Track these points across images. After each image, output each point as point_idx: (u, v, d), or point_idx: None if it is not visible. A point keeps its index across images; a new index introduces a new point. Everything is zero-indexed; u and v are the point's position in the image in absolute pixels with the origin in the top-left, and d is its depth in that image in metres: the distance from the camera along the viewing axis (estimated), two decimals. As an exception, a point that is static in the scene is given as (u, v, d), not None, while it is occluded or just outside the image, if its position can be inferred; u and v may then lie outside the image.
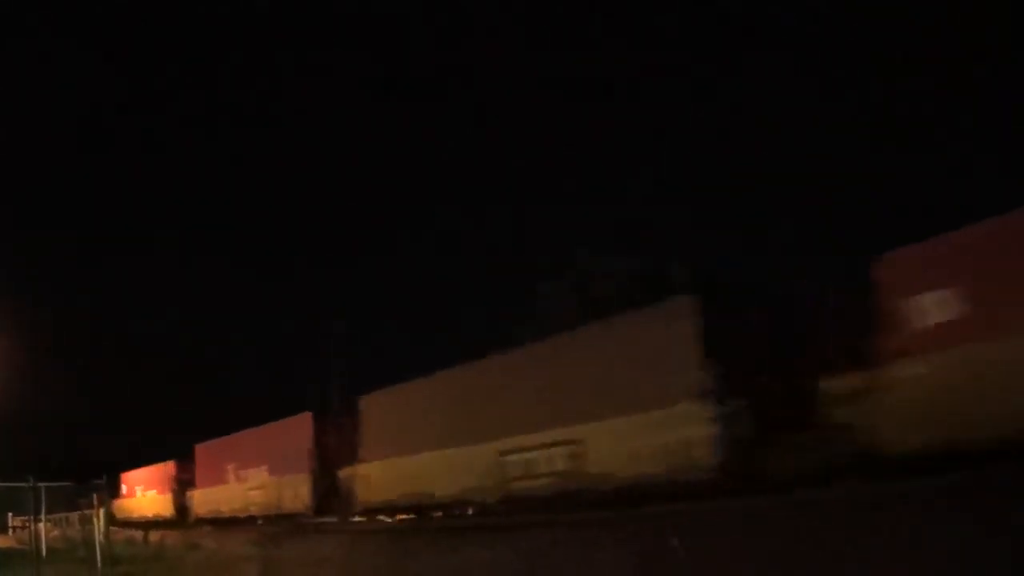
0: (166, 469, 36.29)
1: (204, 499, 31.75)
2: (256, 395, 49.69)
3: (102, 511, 18.63)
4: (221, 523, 29.21)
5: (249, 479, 27.91)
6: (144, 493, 39.93)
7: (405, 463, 19.86)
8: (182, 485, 33.98)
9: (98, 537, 18.01)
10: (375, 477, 21.02)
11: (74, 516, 23.68)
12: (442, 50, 71.06)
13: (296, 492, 24.44)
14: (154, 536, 24.13)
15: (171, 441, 42.75)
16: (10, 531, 29.94)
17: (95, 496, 19.29)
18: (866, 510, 8.87)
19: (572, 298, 32.23)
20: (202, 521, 31.11)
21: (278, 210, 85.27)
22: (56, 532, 23.74)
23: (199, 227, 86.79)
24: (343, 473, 22.67)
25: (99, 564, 16.88)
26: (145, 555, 19.14)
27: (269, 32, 78.66)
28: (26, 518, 21.76)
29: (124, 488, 42.98)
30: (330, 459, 23.41)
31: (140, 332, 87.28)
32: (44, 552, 18.07)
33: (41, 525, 19.18)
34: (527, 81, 66.56)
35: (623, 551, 9.45)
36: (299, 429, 24.88)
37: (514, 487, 16.46)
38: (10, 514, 31.38)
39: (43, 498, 18.97)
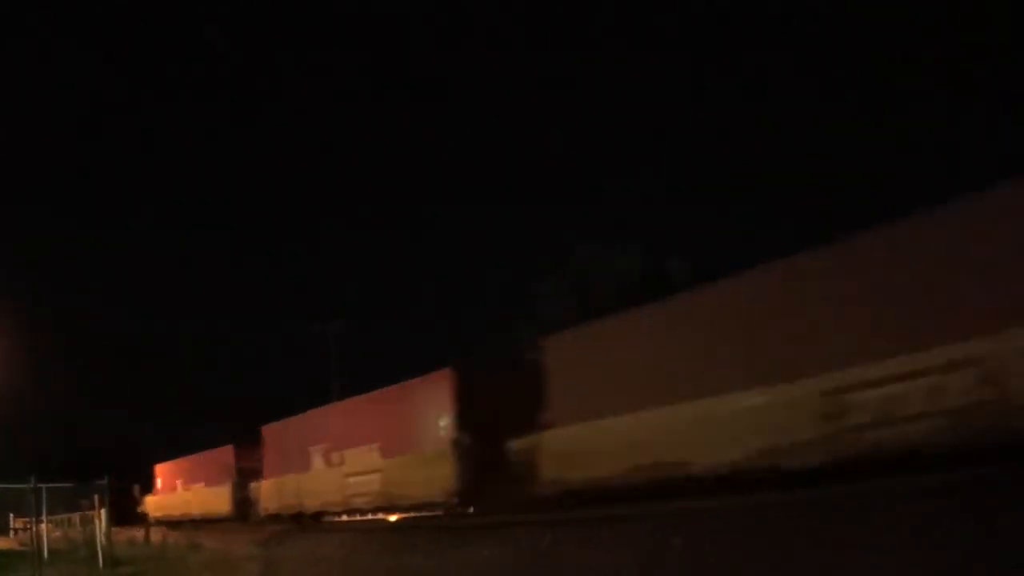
0: (220, 456, 30.20)
1: (277, 491, 25.56)
2: (255, 394, 49.37)
3: (103, 511, 18.69)
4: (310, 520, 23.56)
5: (349, 462, 21.68)
6: (188, 487, 34.11)
7: (631, 423, 13.90)
8: (243, 475, 28.07)
9: (100, 538, 18.07)
10: (575, 446, 15.00)
11: (76, 517, 23.68)
12: (441, 50, 71.01)
13: (429, 474, 18.24)
14: (155, 536, 24.17)
15: (172, 438, 42.80)
16: (12, 533, 29.94)
17: (96, 497, 19.34)
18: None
19: (572, 296, 32.29)
20: (276, 519, 25.18)
21: (277, 209, 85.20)
22: (58, 533, 23.76)
23: (199, 226, 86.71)
24: (516, 445, 16.68)
25: (100, 565, 16.94)
26: (147, 555, 19.18)
27: (269, 31, 78.59)
28: (28, 519, 21.76)
29: (159, 482, 37.81)
30: (486, 427, 17.36)
31: (140, 331, 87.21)
32: (46, 553, 18.11)
33: (43, 526, 19.22)
34: (527, 80, 66.51)
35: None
36: (432, 391, 18.74)
37: (862, 440, 11.10)
38: (12, 515, 31.34)
39: (44, 499, 19.03)
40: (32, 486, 17.96)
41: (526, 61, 66.18)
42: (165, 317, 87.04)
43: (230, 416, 39.62)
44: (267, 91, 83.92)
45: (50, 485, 19.23)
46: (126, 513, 34.20)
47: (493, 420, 16.90)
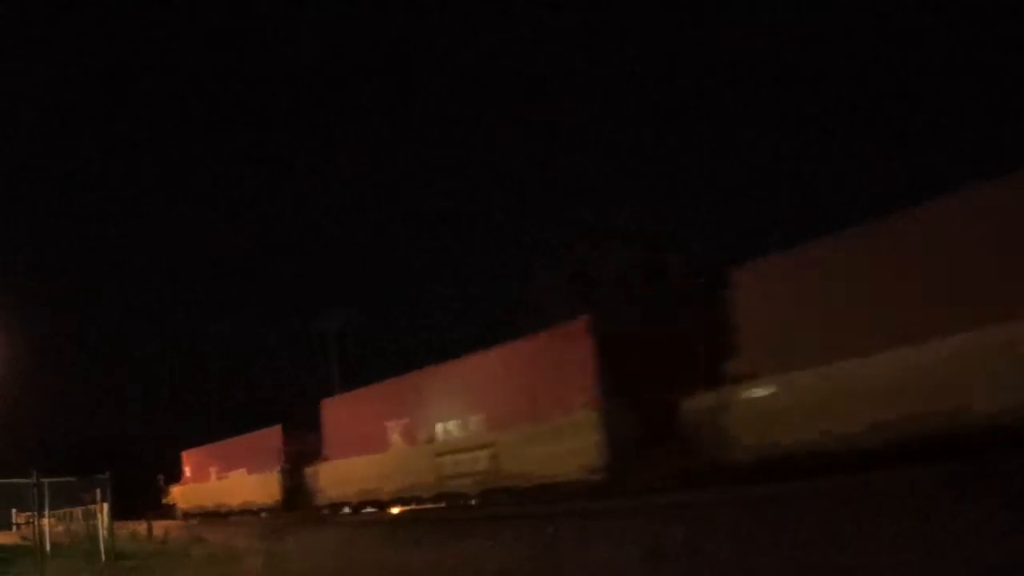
0: (266, 439, 26.67)
1: (340, 476, 21.97)
2: (254, 392, 49.26)
3: (105, 506, 18.76)
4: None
5: (441, 438, 18.43)
6: (224, 474, 30.41)
7: (879, 364, 10.45)
8: (295, 459, 24.82)
9: (102, 532, 18.14)
10: (786, 400, 11.59)
11: (78, 511, 23.73)
12: (437, 42, 70.79)
13: (563, 447, 14.75)
14: (157, 530, 24.23)
15: (174, 432, 42.68)
16: (14, 527, 30.00)
17: (98, 491, 19.41)
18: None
19: (571, 286, 32.32)
20: (337, 508, 22.32)
21: (279, 206, 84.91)
22: (60, 528, 23.83)
23: (196, 222, 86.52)
24: (690, 404, 13.07)
25: (103, 559, 17.00)
26: (149, 549, 19.26)
27: (265, 27, 78.34)
28: (30, 514, 21.83)
29: (187, 470, 33.90)
30: (642, 385, 13.65)
31: (143, 326, 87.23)
32: (48, 548, 18.15)
33: (45, 521, 19.28)
34: (528, 74, 66.39)
35: None
36: (563, 346, 15.40)
37: None
38: (14, 510, 31.34)
39: (46, 493, 19.11)
40: (34, 481, 18.05)
41: (526, 56, 66.08)
42: (167, 312, 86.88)
43: (238, 408, 39.45)
44: (262, 89, 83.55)
45: (52, 479, 19.31)
46: (149, 506, 32.27)
47: (652, 376, 13.48)
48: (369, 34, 74.12)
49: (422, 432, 19.11)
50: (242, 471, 28.59)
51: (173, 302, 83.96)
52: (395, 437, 19.95)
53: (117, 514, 20.07)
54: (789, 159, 49.38)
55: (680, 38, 58.55)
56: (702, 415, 12.78)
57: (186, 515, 32.27)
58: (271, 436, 26.31)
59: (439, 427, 18.49)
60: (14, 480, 19.51)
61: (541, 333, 16.50)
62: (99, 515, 18.90)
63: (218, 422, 38.03)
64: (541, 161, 64.66)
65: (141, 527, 25.23)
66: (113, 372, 67.41)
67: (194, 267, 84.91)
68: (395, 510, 20.14)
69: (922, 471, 9.15)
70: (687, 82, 56.78)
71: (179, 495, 34.14)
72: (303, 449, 24.34)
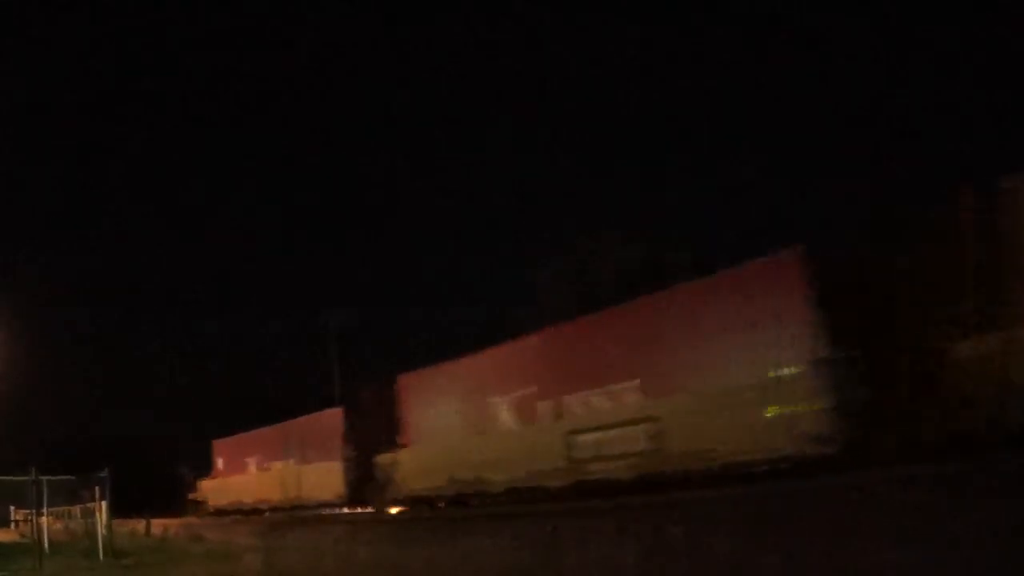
0: (322, 423, 23.12)
1: (426, 463, 18.56)
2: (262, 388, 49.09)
3: (104, 503, 18.77)
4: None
5: (573, 412, 15.13)
6: (266, 466, 26.69)
7: None
8: (362, 446, 21.20)
9: (100, 530, 18.14)
10: None
11: (76, 509, 23.73)
12: (437, 42, 70.77)
13: (774, 412, 11.74)
14: (156, 528, 24.21)
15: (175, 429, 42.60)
16: (12, 525, 30.00)
17: (96, 488, 19.41)
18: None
19: (572, 285, 32.33)
20: (420, 503, 18.90)
21: (279, 205, 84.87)
22: (59, 525, 23.83)
23: (197, 220, 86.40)
24: (959, 349, 10.49)
25: (101, 556, 17.01)
26: (148, 546, 19.26)
27: (265, 27, 78.27)
28: (29, 511, 21.84)
29: (220, 462, 30.22)
30: (896, 323, 10.87)
31: (142, 327, 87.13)
32: (47, 546, 18.16)
33: (43, 518, 19.29)
34: (530, 71, 66.39)
35: None
36: (772, 280, 12.16)
37: None
38: (12, 507, 31.30)
39: (45, 491, 19.14)
40: (32, 478, 18.08)
41: (526, 56, 66.07)
42: (167, 312, 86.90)
43: (238, 407, 39.30)
44: (260, 80, 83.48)
45: (51, 477, 19.35)
46: (154, 503, 29.27)
47: (895, 319, 10.68)
48: (369, 34, 74.17)
49: (541, 407, 15.83)
50: (290, 462, 24.82)
51: (173, 302, 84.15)
52: (502, 414, 16.77)
53: (120, 512, 20.08)
54: (789, 159, 49.51)
55: (680, 38, 58.55)
56: (974, 364, 10.12)
57: (219, 512, 28.93)
58: (330, 419, 22.80)
59: (571, 399, 15.18)
60: (13, 477, 19.55)
61: (723, 272, 13.21)
62: (98, 513, 18.90)
63: (217, 420, 37.97)
64: (541, 161, 64.79)
65: (140, 525, 25.23)
66: (113, 372, 67.44)
67: (194, 267, 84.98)
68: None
69: (922, 471, 9.17)
70: (687, 82, 56.78)
71: (209, 490, 30.79)
72: (371, 434, 20.93)
